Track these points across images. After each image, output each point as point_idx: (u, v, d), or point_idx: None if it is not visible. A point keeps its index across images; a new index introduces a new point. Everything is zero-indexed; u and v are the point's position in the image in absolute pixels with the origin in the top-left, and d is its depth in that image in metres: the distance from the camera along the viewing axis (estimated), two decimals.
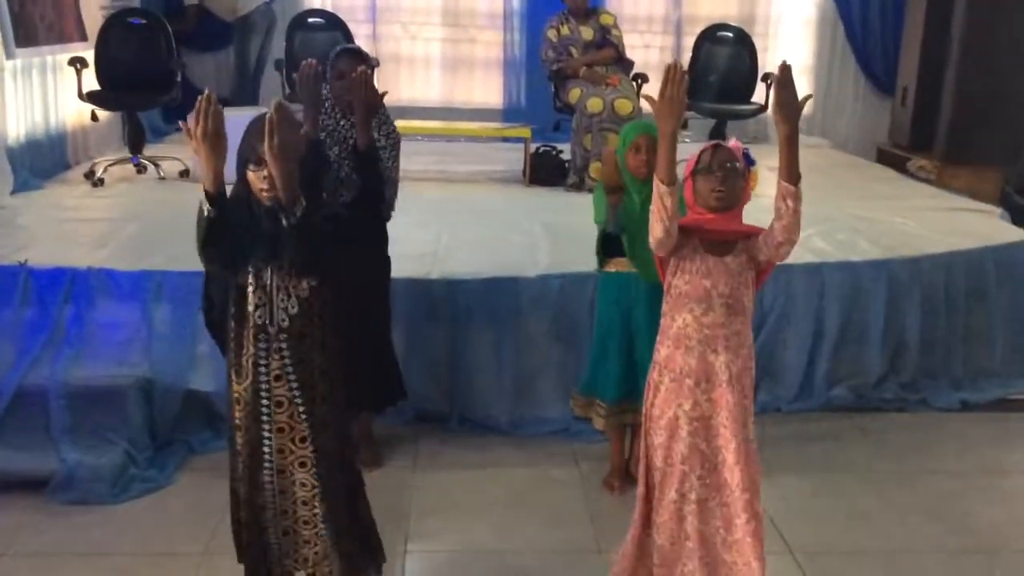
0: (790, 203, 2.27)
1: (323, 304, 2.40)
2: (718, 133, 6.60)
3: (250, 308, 2.36)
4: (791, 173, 2.27)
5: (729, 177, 2.37)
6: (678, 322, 2.48)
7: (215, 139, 2.16)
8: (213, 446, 3.70)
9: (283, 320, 2.35)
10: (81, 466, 3.39)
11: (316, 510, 2.45)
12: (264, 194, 2.28)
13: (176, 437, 3.71)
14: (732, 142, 2.49)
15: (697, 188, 2.41)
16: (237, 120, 6.16)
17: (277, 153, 2.14)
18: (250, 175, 2.29)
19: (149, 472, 3.51)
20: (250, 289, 2.36)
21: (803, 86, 8.22)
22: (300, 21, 6.87)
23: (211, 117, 2.15)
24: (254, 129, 2.30)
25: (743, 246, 2.43)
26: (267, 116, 2.13)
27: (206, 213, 2.20)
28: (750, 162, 2.43)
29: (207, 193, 2.18)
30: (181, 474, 3.57)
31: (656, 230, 2.37)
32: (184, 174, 5.88)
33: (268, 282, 2.34)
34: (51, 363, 3.61)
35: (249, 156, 2.27)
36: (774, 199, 2.29)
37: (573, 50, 6.11)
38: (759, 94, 6.74)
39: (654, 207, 2.35)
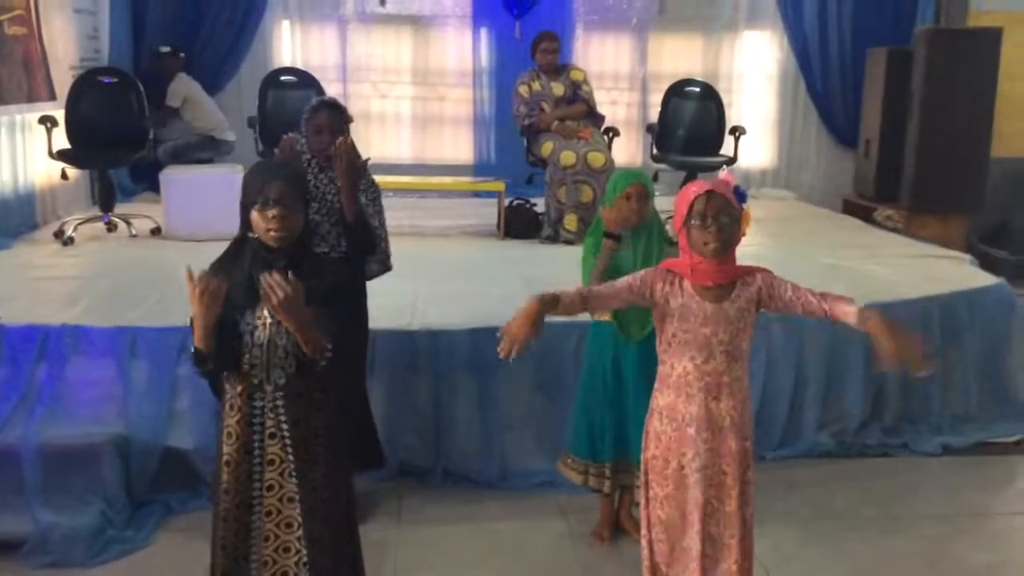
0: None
1: (321, 364, 2.33)
2: None
3: (246, 367, 2.30)
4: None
5: (724, 229, 2.35)
6: (678, 370, 2.45)
7: (212, 302, 2.15)
8: (192, 505, 3.63)
9: (280, 379, 2.29)
10: (56, 528, 3.29)
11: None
12: (272, 234, 2.24)
13: (154, 497, 3.62)
14: (723, 173, 2.49)
15: (691, 238, 2.39)
16: (207, 177, 6.05)
17: (284, 313, 2.13)
18: (255, 216, 2.25)
19: (126, 533, 3.41)
20: (245, 348, 2.30)
21: (767, 140, 8.44)
22: (273, 79, 6.89)
23: (213, 290, 2.14)
24: (255, 173, 2.29)
25: (741, 290, 2.41)
26: (264, 282, 2.11)
27: (199, 369, 2.23)
28: (741, 198, 2.42)
29: (197, 350, 2.20)
30: (159, 534, 3.47)
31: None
32: (156, 232, 5.83)
33: (264, 341, 2.29)
34: (24, 422, 3.52)
35: (255, 198, 2.24)
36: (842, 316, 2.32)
37: (545, 105, 6.18)
38: (727, 147, 6.84)
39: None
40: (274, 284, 2.09)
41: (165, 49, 7.26)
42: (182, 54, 7.32)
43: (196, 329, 2.18)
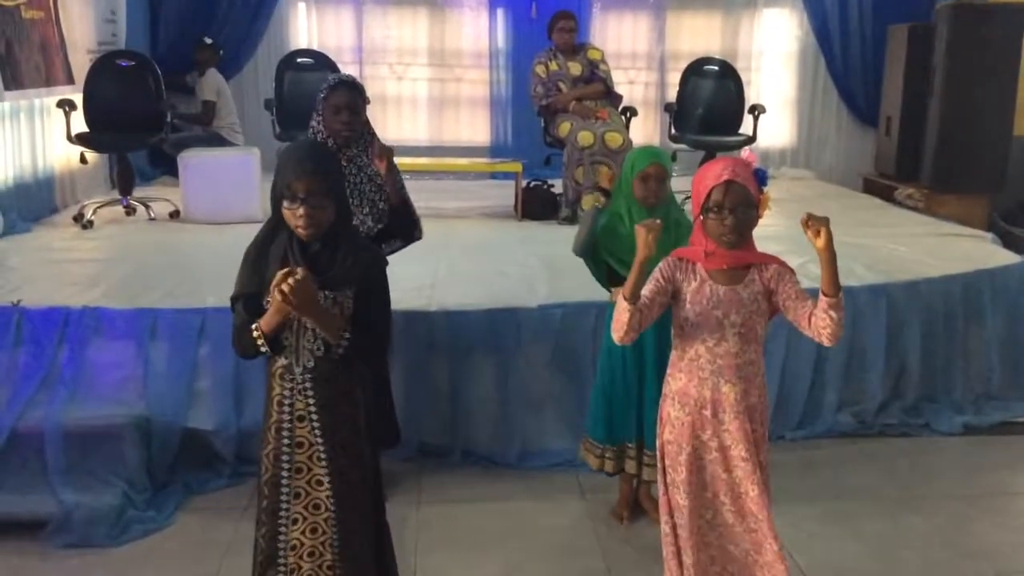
0: (833, 315, 2.29)
1: (350, 347, 2.32)
2: None
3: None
4: (832, 285, 2.28)
5: (741, 220, 2.32)
6: (690, 353, 2.44)
7: (292, 306, 2.16)
8: (212, 486, 3.67)
9: (308, 361, 2.30)
10: (79, 508, 3.32)
11: (324, 558, 2.36)
12: (300, 230, 2.23)
13: (175, 477, 3.64)
14: (746, 153, 2.46)
15: (707, 226, 2.36)
16: (225, 160, 6.06)
17: (303, 309, 2.16)
18: (285, 211, 2.24)
19: (148, 513, 3.44)
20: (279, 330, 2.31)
21: (787, 118, 8.37)
22: (289, 61, 6.89)
23: (302, 290, 2.13)
24: (285, 162, 2.27)
25: (755, 275, 2.39)
26: (277, 289, 2.12)
27: (261, 348, 2.26)
28: (762, 181, 2.38)
29: (263, 333, 2.24)
30: (181, 515, 3.49)
31: (614, 335, 2.42)
32: (174, 215, 5.85)
33: (295, 322, 2.29)
34: (47, 404, 3.54)
35: (284, 192, 2.23)
36: (816, 310, 2.32)
37: (562, 85, 6.15)
38: (746, 126, 6.78)
39: (614, 316, 2.39)
40: (277, 286, 2.12)
41: (209, 41, 7.32)
42: (221, 51, 7.37)
43: (270, 316, 2.22)
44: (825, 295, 2.29)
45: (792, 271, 2.42)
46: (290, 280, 2.11)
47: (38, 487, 3.39)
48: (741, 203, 2.31)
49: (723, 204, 2.31)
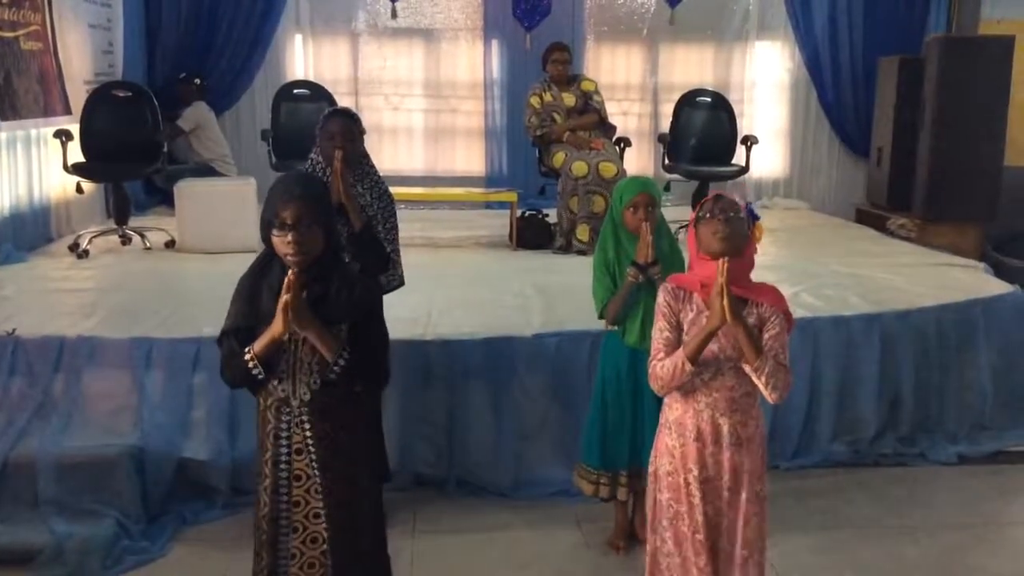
0: (756, 380, 2.34)
1: (348, 380, 2.32)
2: (700, 195, 6.66)
3: (273, 381, 2.32)
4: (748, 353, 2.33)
5: (731, 220, 2.36)
6: (686, 385, 2.45)
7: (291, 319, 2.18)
8: (206, 516, 3.65)
9: (305, 394, 2.30)
10: (71, 538, 3.30)
11: None
12: (289, 258, 2.23)
13: (169, 507, 3.62)
14: (736, 197, 2.51)
15: (700, 236, 2.41)
16: (221, 190, 6.07)
17: (299, 323, 2.17)
18: (274, 239, 2.24)
19: (142, 544, 3.42)
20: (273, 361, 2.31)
21: (779, 149, 8.43)
22: (286, 92, 6.92)
23: (296, 299, 2.16)
24: (275, 190, 2.28)
25: (753, 309, 2.39)
26: (283, 301, 2.15)
27: (254, 371, 2.25)
28: (754, 216, 2.42)
29: (256, 356, 2.24)
30: (174, 545, 3.47)
31: (661, 389, 2.45)
32: (170, 244, 5.86)
33: (292, 355, 2.30)
34: (40, 433, 3.54)
35: (272, 220, 2.23)
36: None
37: (556, 116, 6.20)
38: (739, 156, 6.83)
39: (668, 373, 2.38)
40: (292, 302, 2.13)
41: (183, 75, 7.40)
42: (196, 81, 7.45)
43: (264, 338, 2.22)
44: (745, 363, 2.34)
45: (782, 315, 2.41)
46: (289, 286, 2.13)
47: (30, 517, 3.38)
48: (730, 207, 2.38)
49: (713, 209, 2.38)
